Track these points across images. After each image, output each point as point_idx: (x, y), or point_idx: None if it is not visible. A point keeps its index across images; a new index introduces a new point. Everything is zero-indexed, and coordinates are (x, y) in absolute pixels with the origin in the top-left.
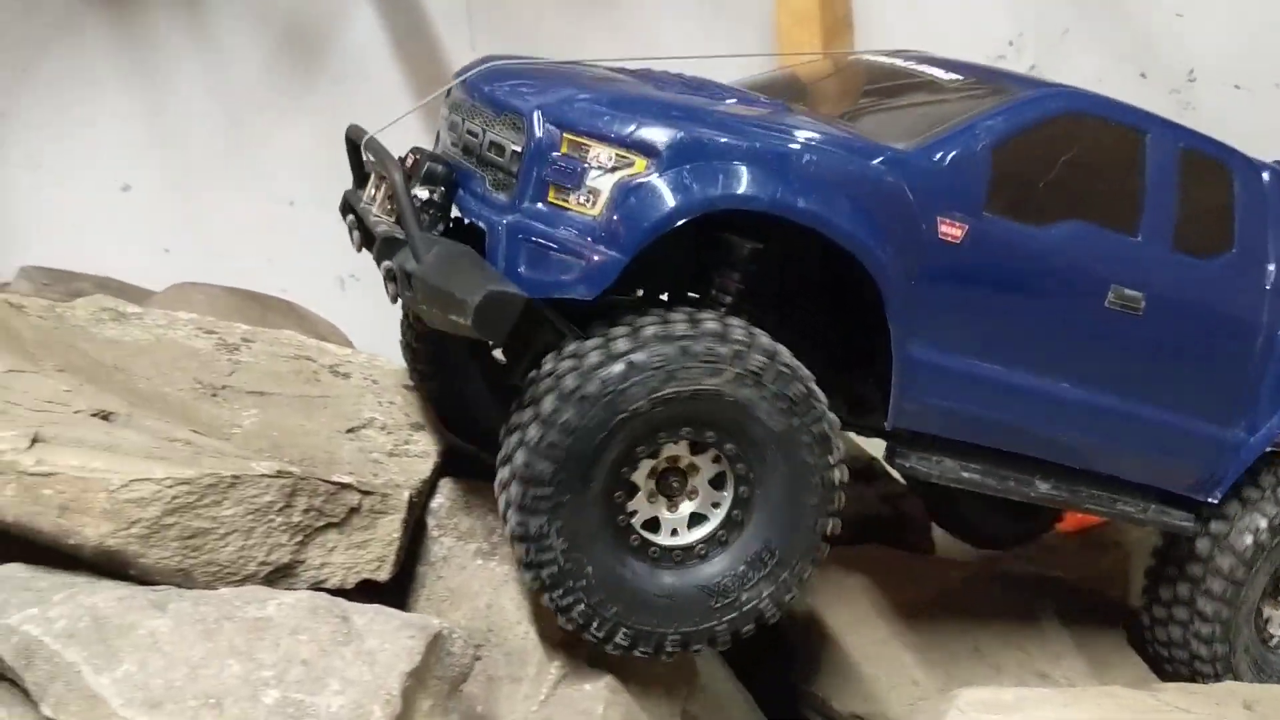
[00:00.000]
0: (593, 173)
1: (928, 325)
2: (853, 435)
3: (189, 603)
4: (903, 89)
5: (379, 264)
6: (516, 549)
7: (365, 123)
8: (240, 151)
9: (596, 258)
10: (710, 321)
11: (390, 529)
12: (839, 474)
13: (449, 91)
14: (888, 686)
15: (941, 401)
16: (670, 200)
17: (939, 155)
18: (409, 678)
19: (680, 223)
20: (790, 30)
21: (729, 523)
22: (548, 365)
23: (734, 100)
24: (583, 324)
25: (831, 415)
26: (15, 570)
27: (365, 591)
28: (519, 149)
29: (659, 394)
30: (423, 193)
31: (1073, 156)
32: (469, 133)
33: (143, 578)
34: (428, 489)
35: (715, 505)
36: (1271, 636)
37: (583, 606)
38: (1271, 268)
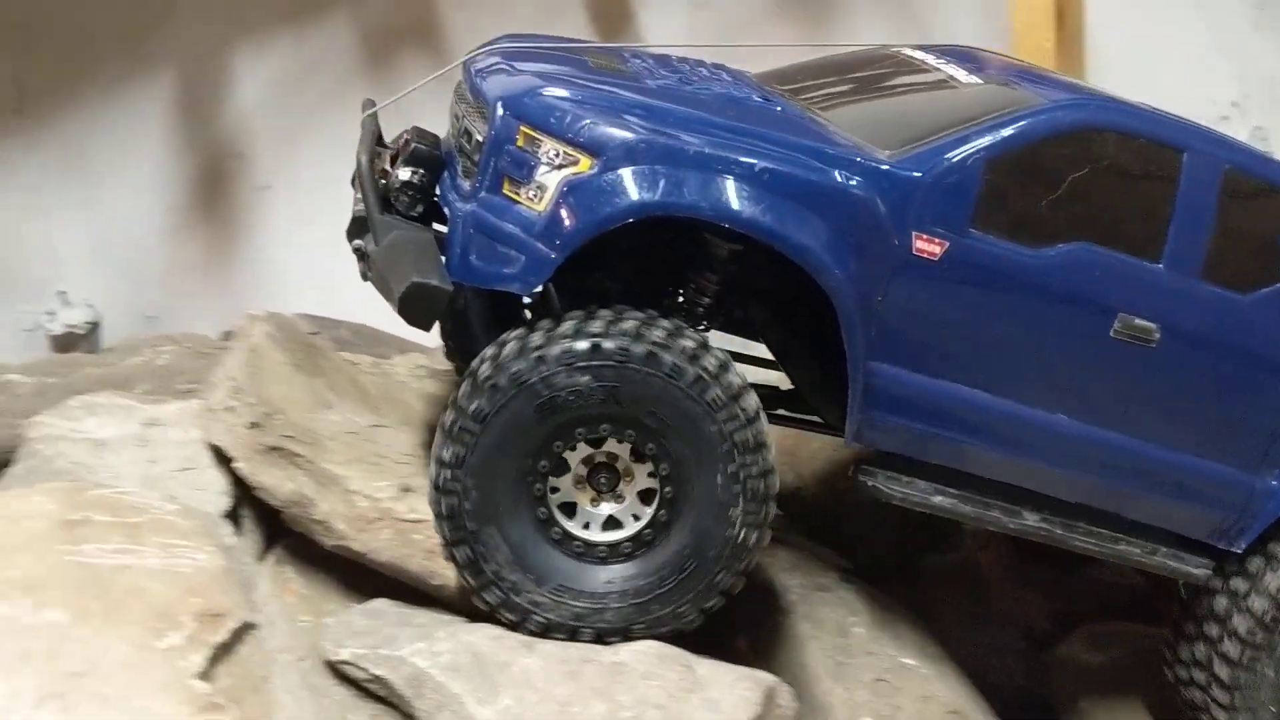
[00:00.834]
0: (542, 168)
1: (896, 343)
2: None
3: (554, 646)
4: (920, 87)
5: (349, 241)
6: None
7: None
8: None
9: (534, 254)
10: (630, 321)
11: None
12: (766, 484)
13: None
14: None
15: (909, 422)
16: (606, 203)
17: (921, 167)
18: None
19: (613, 226)
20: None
21: (652, 525)
22: (489, 349)
23: (724, 97)
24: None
25: (761, 423)
26: (383, 605)
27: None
28: (482, 138)
29: (567, 388)
30: (404, 173)
31: (1085, 174)
32: (456, 117)
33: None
34: None
35: (635, 517)
36: None
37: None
38: None
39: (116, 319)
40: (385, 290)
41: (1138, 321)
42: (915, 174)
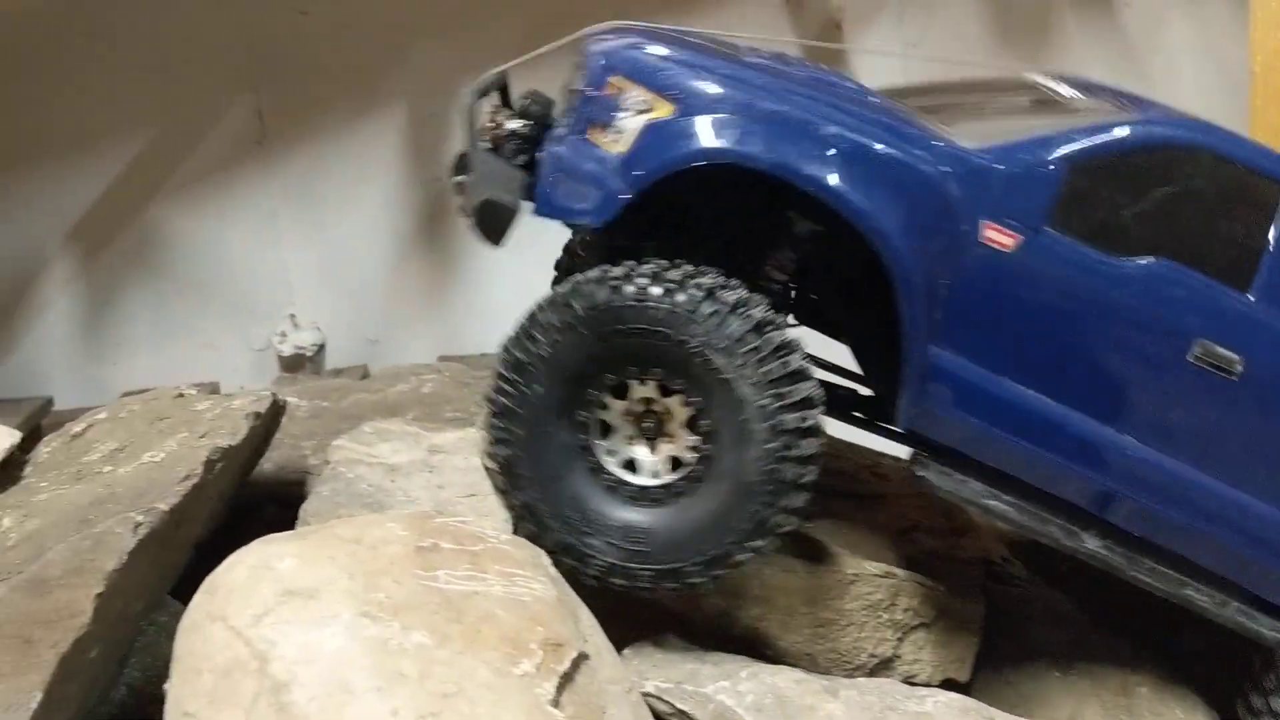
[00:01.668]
0: (625, 113)
1: (956, 330)
2: None
3: (856, 691)
4: (1030, 105)
5: (453, 177)
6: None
7: None
8: None
9: (608, 189)
10: (706, 278)
11: (970, 633)
12: (803, 472)
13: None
14: None
15: (966, 415)
16: (679, 145)
17: (1002, 160)
18: None
19: (683, 167)
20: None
21: (693, 470)
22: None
23: (819, 79)
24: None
25: (816, 392)
26: (669, 639)
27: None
28: (579, 88)
29: (616, 327)
30: (513, 123)
31: (1174, 191)
32: (567, 86)
33: (775, 658)
34: (981, 594)
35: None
36: None
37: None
38: None
39: (340, 341)
40: (466, 210)
41: (1219, 350)
42: (995, 165)
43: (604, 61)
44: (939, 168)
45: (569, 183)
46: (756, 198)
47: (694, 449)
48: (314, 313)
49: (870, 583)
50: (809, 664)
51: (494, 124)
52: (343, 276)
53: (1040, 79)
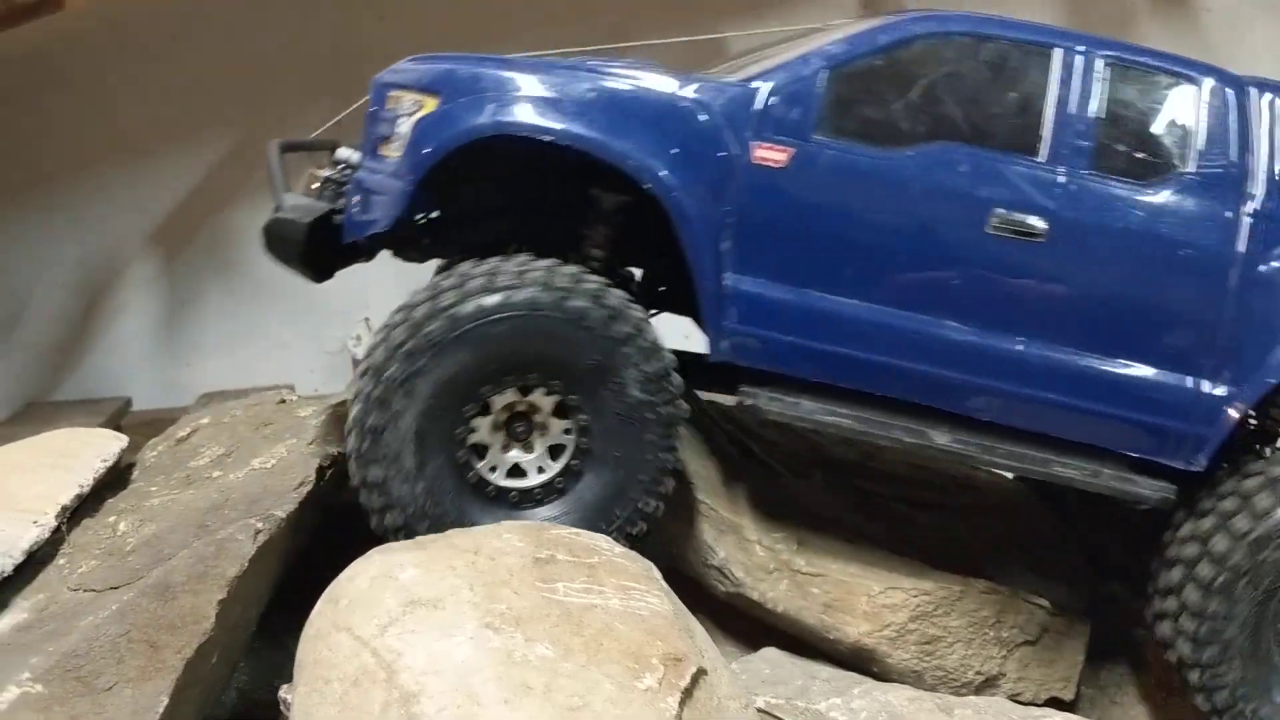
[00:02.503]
0: (400, 120)
1: (750, 254)
2: None
3: (971, 710)
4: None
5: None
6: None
7: None
8: None
9: (392, 191)
10: (540, 271)
11: (1075, 651)
12: (677, 409)
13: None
14: None
15: (778, 334)
16: (445, 130)
17: (760, 81)
18: None
19: (452, 148)
20: None
21: (567, 471)
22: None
23: (597, 61)
24: None
25: (667, 355)
26: (776, 654)
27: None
28: (367, 113)
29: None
30: (325, 171)
31: (939, 77)
32: None
33: (881, 675)
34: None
35: (547, 461)
36: None
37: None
38: (1258, 192)
39: None
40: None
41: (1017, 215)
42: (755, 88)
43: (381, 80)
44: (697, 100)
45: (367, 199)
46: (569, 187)
47: (571, 431)
48: (386, 317)
49: (976, 599)
50: (915, 681)
51: (311, 176)
52: (418, 281)
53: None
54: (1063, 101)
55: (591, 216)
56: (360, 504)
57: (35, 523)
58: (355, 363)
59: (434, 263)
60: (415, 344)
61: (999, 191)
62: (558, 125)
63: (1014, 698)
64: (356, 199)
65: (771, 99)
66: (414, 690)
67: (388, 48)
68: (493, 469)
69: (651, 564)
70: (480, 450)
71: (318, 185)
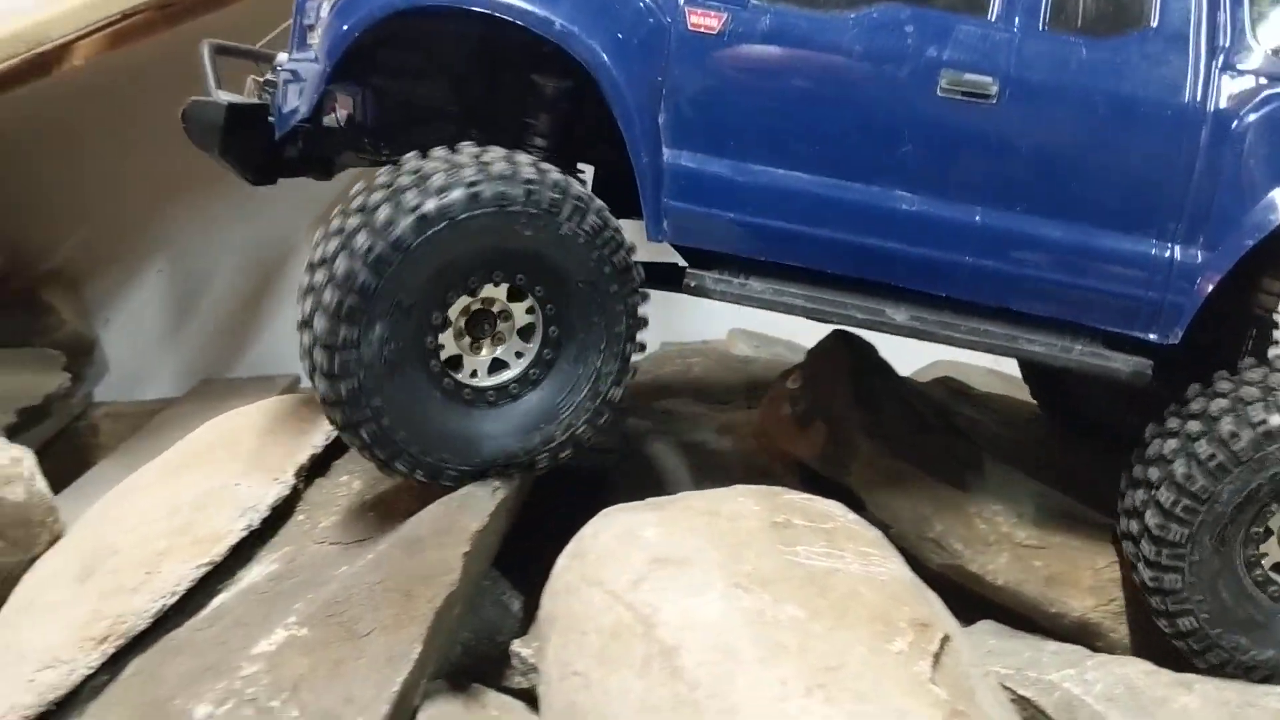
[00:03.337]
0: (323, 4)
1: (693, 127)
2: None
3: (1212, 686)
4: None
5: None
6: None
7: None
8: None
9: (315, 75)
10: (500, 162)
11: None
12: (640, 300)
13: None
14: None
15: (720, 211)
16: (360, 7)
17: None
18: None
19: (368, 26)
20: None
21: (539, 362)
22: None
23: None
24: None
25: (629, 244)
26: (992, 625)
27: None
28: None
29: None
30: (268, 74)
31: None
32: None
33: (1107, 650)
34: None
35: (519, 354)
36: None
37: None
38: (1228, 45)
39: None
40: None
41: (967, 77)
42: None
43: None
44: None
45: (294, 89)
46: (509, 77)
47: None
48: None
49: None
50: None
51: (254, 83)
52: None
53: None
54: None
55: (533, 104)
56: (329, 419)
57: (276, 479)
58: None
59: None
60: (383, 250)
61: (947, 52)
62: None
63: None
64: (284, 89)
65: None
66: (673, 644)
67: None
68: (473, 374)
69: (881, 533)
70: (454, 361)
71: (260, 84)
